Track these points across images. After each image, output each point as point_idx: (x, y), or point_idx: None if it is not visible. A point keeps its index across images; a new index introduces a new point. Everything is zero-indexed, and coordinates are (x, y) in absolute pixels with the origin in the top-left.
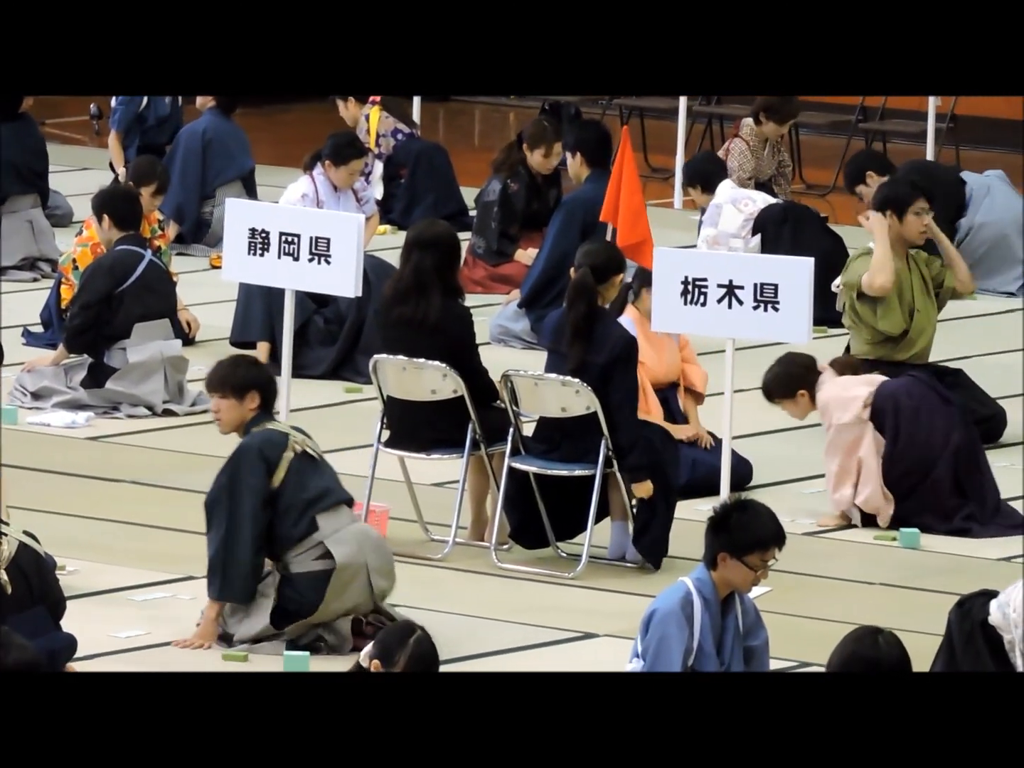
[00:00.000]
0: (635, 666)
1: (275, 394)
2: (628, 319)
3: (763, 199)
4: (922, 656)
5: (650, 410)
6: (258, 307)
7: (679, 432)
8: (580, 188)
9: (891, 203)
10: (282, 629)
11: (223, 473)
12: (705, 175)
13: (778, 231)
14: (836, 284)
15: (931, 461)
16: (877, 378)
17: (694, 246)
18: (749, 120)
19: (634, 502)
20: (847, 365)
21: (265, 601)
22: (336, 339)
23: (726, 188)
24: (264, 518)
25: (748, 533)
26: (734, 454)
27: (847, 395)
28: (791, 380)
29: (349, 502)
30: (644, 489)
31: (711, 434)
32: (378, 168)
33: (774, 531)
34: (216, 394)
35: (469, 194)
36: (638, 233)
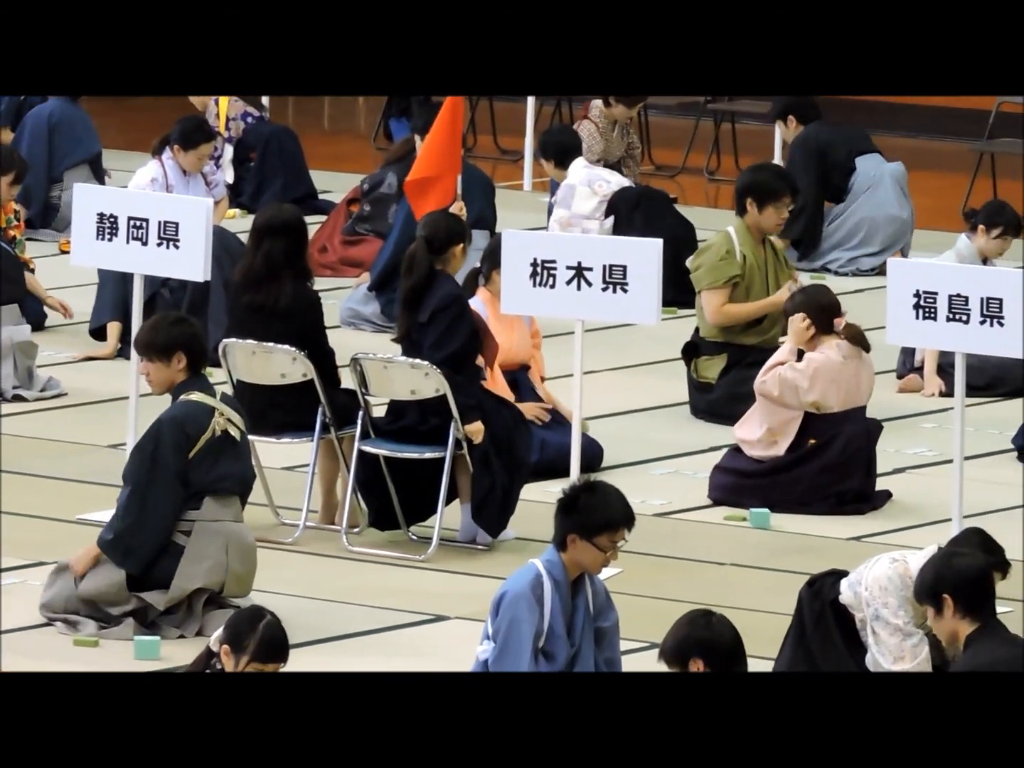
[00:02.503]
0: (486, 648)
1: (203, 351)
2: (479, 300)
3: (617, 181)
4: (772, 636)
5: (498, 391)
6: (110, 289)
7: (526, 410)
8: None
9: (754, 191)
10: (133, 591)
11: (144, 447)
12: (561, 148)
13: (630, 215)
14: (690, 261)
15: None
16: (853, 396)
17: (544, 228)
18: (598, 102)
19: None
20: (855, 335)
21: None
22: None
23: (579, 168)
24: (180, 496)
25: (597, 514)
26: (584, 435)
27: (822, 387)
28: (808, 310)
29: (244, 493)
30: (476, 430)
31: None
32: (228, 152)
33: (623, 512)
34: (143, 357)
35: (318, 177)
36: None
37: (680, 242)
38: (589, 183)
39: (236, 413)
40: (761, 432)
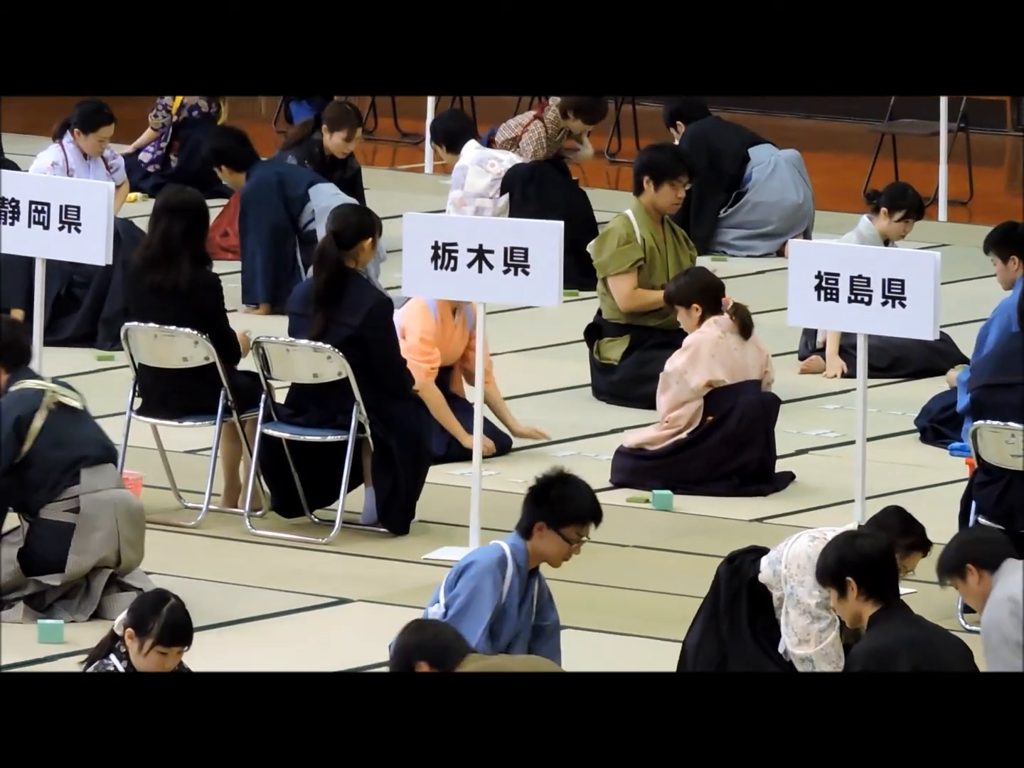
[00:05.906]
0: (436, 611)
1: (8, 349)
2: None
3: (509, 159)
4: (677, 617)
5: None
6: (20, 273)
7: (468, 441)
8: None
9: (650, 170)
10: (29, 576)
11: None
12: (449, 133)
13: (525, 189)
14: (591, 247)
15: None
16: (741, 368)
17: (445, 211)
18: (556, 109)
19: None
20: (742, 318)
21: (7, 550)
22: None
23: (471, 149)
24: (5, 486)
25: (568, 506)
26: (487, 422)
27: (705, 365)
28: (693, 292)
29: (113, 458)
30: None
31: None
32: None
33: (592, 507)
34: None
35: None
36: None
37: (578, 215)
38: (480, 163)
39: (69, 390)
40: (660, 431)
